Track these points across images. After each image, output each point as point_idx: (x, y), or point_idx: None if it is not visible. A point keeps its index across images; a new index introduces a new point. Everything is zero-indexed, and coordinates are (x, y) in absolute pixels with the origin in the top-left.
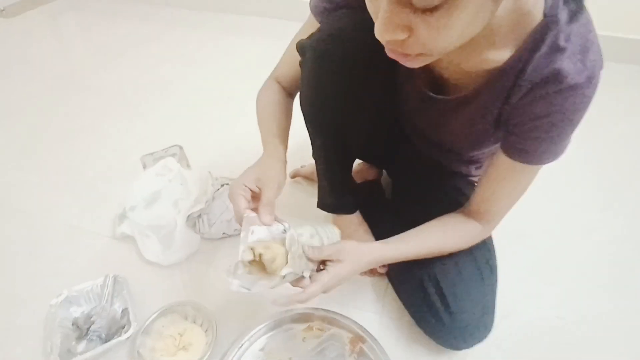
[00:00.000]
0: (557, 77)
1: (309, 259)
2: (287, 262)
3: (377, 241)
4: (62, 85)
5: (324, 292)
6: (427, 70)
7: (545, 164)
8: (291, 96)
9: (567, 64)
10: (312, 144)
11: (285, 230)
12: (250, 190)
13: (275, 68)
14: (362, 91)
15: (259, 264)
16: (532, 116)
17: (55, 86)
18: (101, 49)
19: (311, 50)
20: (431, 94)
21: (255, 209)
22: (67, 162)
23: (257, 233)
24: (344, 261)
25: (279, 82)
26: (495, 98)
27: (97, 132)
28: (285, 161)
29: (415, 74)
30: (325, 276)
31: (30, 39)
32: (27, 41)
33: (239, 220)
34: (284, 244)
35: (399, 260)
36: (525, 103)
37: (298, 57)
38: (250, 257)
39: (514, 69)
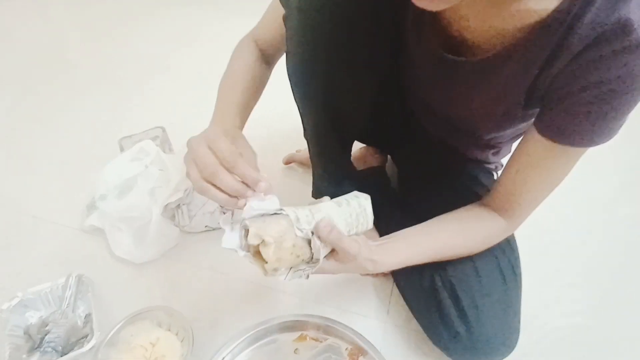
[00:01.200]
0: (623, 29)
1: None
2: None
3: (383, 243)
4: (40, 61)
5: None
6: (443, 28)
7: (593, 146)
8: (269, 64)
9: (637, 12)
10: (302, 121)
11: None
12: None
13: (256, 26)
14: (361, 50)
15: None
16: (585, 84)
17: (32, 62)
18: (85, 24)
19: None
20: (449, 56)
21: None
22: (37, 144)
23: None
24: (345, 266)
25: (257, 44)
26: (533, 61)
27: (73, 111)
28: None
29: (428, 32)
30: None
31: (11, 11)
32: (7, 14)
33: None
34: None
35: (405, 265)
36: (577, 67)
37: (281, 13)
38: (256, 242)
39: (562, 23)
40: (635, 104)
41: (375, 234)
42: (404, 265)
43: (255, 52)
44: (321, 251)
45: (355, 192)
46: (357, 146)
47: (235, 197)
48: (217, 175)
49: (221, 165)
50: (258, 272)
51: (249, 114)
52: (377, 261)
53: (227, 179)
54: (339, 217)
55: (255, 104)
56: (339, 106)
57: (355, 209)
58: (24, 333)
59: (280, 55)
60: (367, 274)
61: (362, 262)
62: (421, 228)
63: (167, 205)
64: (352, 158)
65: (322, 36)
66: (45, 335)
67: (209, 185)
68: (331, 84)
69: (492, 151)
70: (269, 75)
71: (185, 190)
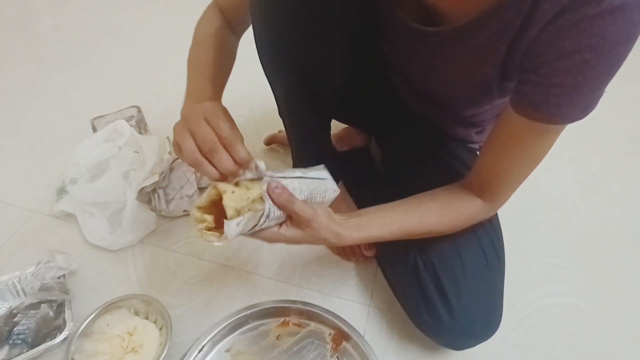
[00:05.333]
0: None
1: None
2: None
3: (350, 217)
4: (2, 33)
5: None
6: None
7: (570, 122)
8: (235, 33)
9: None
10: (275, 98)
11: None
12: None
13: None
14: (332, 16)
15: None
16: (558, 53)
17: None
18: None
19: None
20: (419, 26)
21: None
22: (1, 122)
23: None
24: (302, 232)
25: (222, 12)
26: (505, 29)
27: (41, 88)
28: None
29: (399, 1)
30: (268, 232)
31: None
32: None
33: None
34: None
35: (378, 241)
36: (549, 35)
37: None
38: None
39: None
40: (610, 76)
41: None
42: (370, 240)
43: (220, 20)
44: (272, 210)
45: (316, 167)
46: (340, 127)
47: (226, 175)
48: (216, 153)
49: (220, 142)
50: (238, 256)
51: (224, 84)
52: (340, 234)
53: (225, 158)
54: (301, 185)
55: (228, 72)
56: (313, 78)
57: (314, 179)
58: None
59: (246, 25)
60: (349, 258)
61: (321, 230)
62: (394, 204)
63: (142, 189)
64: (335, 139)
65: None
66: (14, 327)
67: (205, 160)
68: (302, 52)
69: (475, 130)
70: (237, 45)
71: (162, 173)
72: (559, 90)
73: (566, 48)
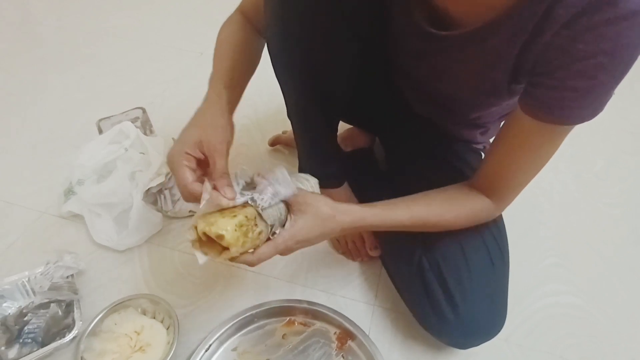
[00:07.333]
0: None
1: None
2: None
3: (360, 204)
4: (4, 35)
5: (280, 254)
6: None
7: (580, 123)
8: (260, 32)
9: None
10: (284, 98)
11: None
12: (195, 157)
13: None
14: (343, 21)
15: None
16: (572, 57)
17: None
18: None
19: None
20: (431, 29)
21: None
22: (7, 123)
23: None
24: (307, 217)
25: (244, 15)
26: (517, 34)
27: (45, 89)
28: (230, 110)
29: (412, 5)
30: (279, 238)
31: None
32: None
33: (187, 197)
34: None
35: (385, 229)
36: (563, 39)
37: None
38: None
39: None
40: (621, 78)
41: None
42: (381, 227)
43: (244, 23)
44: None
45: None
46: (344, 127)
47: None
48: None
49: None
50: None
51: (242, 81)
52: (341, 225)
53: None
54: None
55: (249, 69)
56: (322, 81)
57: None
58: (1, 324)
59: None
60: (354, 258)
61: (321, 207)
62: (405, 197)
63: (148, 190)
64: (339, 139)
65: (301, 2)
66: (24, 326)
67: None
68: (311, 56)
69: (479, 131)
70: (262, 43)
71: (167, 174)
72: (572, 93)
73: (581, 52)
